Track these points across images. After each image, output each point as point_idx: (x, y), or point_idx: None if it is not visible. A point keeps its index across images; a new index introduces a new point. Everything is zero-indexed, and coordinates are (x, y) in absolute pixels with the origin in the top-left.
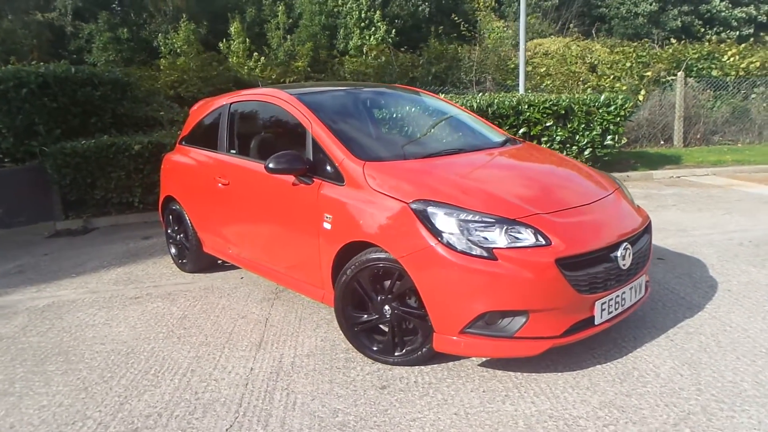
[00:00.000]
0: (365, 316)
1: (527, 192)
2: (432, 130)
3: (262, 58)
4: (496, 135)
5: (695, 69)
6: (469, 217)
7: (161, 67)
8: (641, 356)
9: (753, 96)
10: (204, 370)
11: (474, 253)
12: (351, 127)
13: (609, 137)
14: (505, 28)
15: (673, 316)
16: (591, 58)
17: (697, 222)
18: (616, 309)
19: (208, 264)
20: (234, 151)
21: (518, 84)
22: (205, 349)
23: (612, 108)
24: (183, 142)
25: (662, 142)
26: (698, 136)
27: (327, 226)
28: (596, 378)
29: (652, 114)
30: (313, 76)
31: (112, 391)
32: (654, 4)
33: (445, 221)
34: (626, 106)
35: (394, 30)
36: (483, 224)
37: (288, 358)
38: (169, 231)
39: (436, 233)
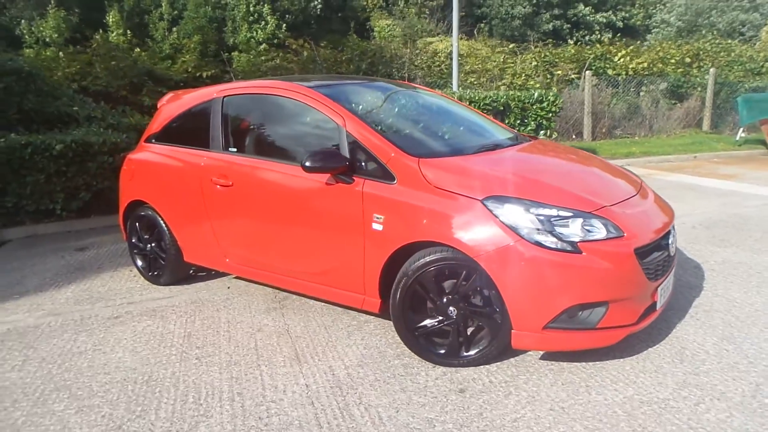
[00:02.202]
0: (429, 319)
1: (583, 185)
2: (458, 127)
3: (143, 53)
4: (506, 131)
5: (594, 68)
6: (548, 212)
7: (57, 58)
8: (681, 336)
9: (642, 93)
10: (252, 392)
11: (558, 247)
12: (388, 123)
13: (542, 132)
14: (393, 26)
15: (683, 298)
16: (500, 58)
17: None
18: (665, 294)
19: (185, 275)
20: (234, 150)
21: (448, 81)
22: (237, 368)
23: (545, 104)
24: (153, 140)
25: (574, 137)
26: (604, 131)
27: (377, 227)
28: (657, 361)
29: (564, 110)
30: (217, 74)
31: (156, 427)
32: (528, 7)
33: (523, 217)
34: (557, 102)
35: (284, 25)
36: (561, 218)
37: (340, 370)
38: (134, 240)
39: (517, 229)
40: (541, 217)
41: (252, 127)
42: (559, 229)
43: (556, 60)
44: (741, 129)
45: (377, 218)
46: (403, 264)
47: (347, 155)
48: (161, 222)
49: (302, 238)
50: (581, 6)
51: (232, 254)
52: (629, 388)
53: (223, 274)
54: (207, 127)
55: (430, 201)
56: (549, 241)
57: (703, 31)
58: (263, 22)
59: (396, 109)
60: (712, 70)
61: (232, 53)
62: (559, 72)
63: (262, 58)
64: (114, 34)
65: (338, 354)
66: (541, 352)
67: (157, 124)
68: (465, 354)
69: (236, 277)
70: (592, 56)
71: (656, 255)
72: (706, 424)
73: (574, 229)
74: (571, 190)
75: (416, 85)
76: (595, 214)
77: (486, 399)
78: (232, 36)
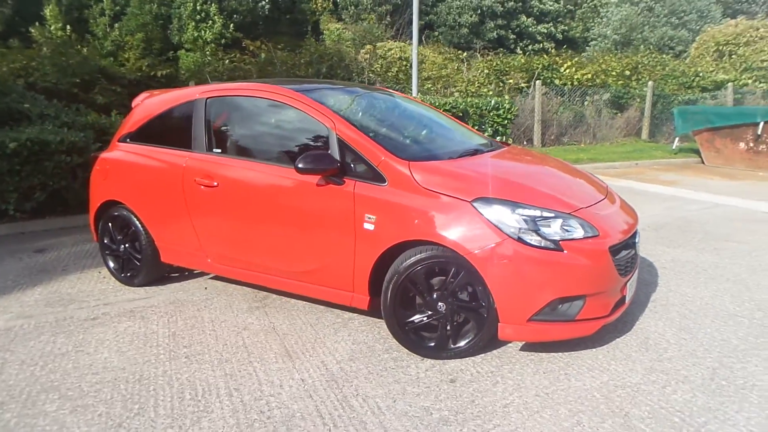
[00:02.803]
0: (418, 314)
1: (559, 189)
2: (438, 132)
3: (84, 49)
4: (480, 137)
5: (542, 78)
6: (532, 213)
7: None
8: (644, 328)
9: (586, 103)
10: (249, 387)
11: (542, 245)
12: (374, 127)
13: (498, 138)
14: (343, 30)
15: (641, 293)
16: (454, 65)
17: None
18: (632, 289)
19: (160, 276)
20: (219, 151)
21: (406, 87)
22: (230, 366)
23: (500, 111)
24: (127, 140)
25: (525, 143)
26: (552, 137)
27: (369, 226)
28: (625, 350)
29: (516, 117)
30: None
31: (157, 423)
32: (474, 16)
33: (510, 217)
34: (512, 109)
35: (232, 25)
36: (544, 218)
37: (332, 365)
38: (105, 241)
39: (504, 229)
40: (526, 218)
41: (238, 128)
42: (542, 229)
43: (506, 69)
44: (677, 138)
45: (369, 218)
46: (391, 262)
47: (337, 157)
48: (137, 222)
49: (290, 237)
50: (524, 17)
51: (214, 254)
52: (604, 375)
53: (199, 275)
54: (189, 128)
55: (422, 202)
56: (534, 239)
57: (638, 45)
58: (210, 22)
59: (378, 114)
60: (650, 83)
61: (178, 52)
62: (511, 81)
63: (209, 58)
64: (52, 28)
65: (328, 350)
66: (521, 344)
67: (132, 123)
68: (453, 346)
69: (213, 278)
70: (539, 67)
71: (625, 253)
72: (674, 404)
73: (555, 229)
74: (550, 192)
75: (392, 91)
76: (573, 215)
77: (476, 387)
78: (178, 34)
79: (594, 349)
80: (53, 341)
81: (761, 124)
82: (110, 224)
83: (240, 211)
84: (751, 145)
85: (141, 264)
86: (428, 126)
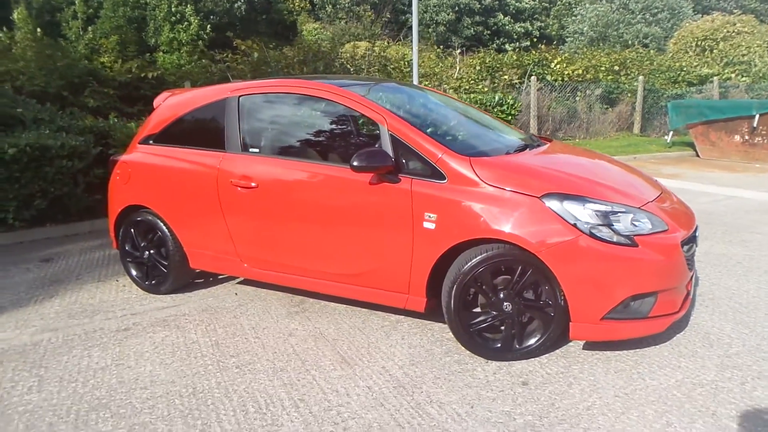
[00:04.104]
0: (483, 315)
1: (620, 184)
2: (482, 128)
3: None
4: (519, 132)
5: (534, 74)
6: (603, 208)
7: None
8: (700, 323)
9: (578, 98)
10: (314, 397)
11: (616, 240)
12: (423, 122)
13: None
14: (321, 29)
15: None
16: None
17: None
18: (693, 284)
19: (186, 283)
20: (256, 150)
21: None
22: (286, 375)
23: (504, 107)
24: (150, 142)
25: None
26: (548, 133)
27: (429, 225)
28: (689, 347)
29: (519, 113)
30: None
31: None
32: (451, 14)
33: (582, 213)
34: (516, 105)
35: (208, 26)
36: (615, 213)
37: (395, 370)
38: (127, 248)
39: (577, 225)
40: (599, 213)
41: (276, 127)
42: (614, 224)
43: (498, 65)
44: (671, 132)
45: (429, 217)
46: (450, 262)
47: (391, 155)
48: (164, 227)
49: (340, 239)
50: (501, 15)
51: (251, 258)
52: (677, 373)
53: (225, 280)
54: (221, 128)
55: (486, 199)
56: (607, 235)
57: (614, 42)
58: (186, 23)
59: (419, 109)
60: (641, 77)
61: (155, 53)
62: (506, 77)
63: (185, 59)
64: (23, 31)
65: (385, 354)
66: (582, 342)
67: (154, 124)
68: (519, 347)
69: (241, 282)
70: (530, 63)
71: (689, 247)
72: (759, 401)
73: (625, 224)
74: (615, 186)
75: (425, 87)
76: (643, 209)
77: (552, 390)
78: (154, 36)
79: (657, 347)
80: (88, 355)
81: (757, 116)
82: (133, 230)
83: (282, 212)
84: (747, 137)
85: (168, 271)
86: (468, 121)
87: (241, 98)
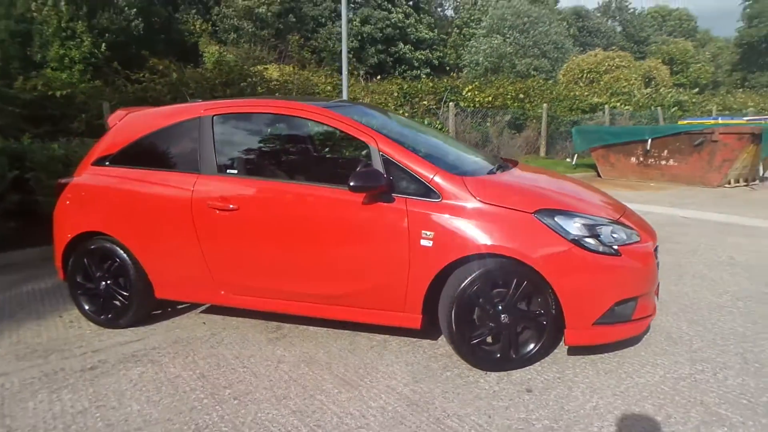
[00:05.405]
0: (482, 328)
1: (593, 200)
2: (455, 150)
3: None
4: (479, 152)
5: (448, 100)
6: (588, 221)
7: None
8: (659, 325)
9: (488, 124)
10: (329, 422)
11: (602, 251)
12: (413, 144)
13: None
14: (223, 52)
15: None
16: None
17: None
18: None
19: (147, 315)
20: (234, 172)
21: None
22: (292, 402)
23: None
24: (107, 163)
25: None
26: None
27: (427, 243)
28: (659, 345)
29: None
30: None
31: None
32: (355, 41)
33: (572, 226)
34: (443, 130)
35: (103, 44)
36: (599, 226)
37: (401, 388)
38: (78, 279)
39: (568, 237)
40: (585, 225)
41: (257, 147)
42: (601, 236)
43: (413, 92)
44: (575, 155)
45: (426, 235)
46: (446, 279)
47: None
48: (124, 255)
49: (330, 259)
50: (401, 44)
51: (230, 284)
52: (657, 369)
53: (187, 309)
54: (193, 148)
55: (483, 216)
56: (594, 245)
57: (508, 72)
58: (78, 40)
59: (397, 130)
60: (545, 105)
61: (42, 70)
62: (425, 102)
63: (77, 77)
64: None
65: (385, 373)
66: (566, 348)
67: (111, 144)
68: (515, 356)
69: (206, 311)
70: (444, 89)
71: (657, 257)
72: (734, 389)
73: (606, 235)
74: (592, 202)
75: (388, 110)
76: (618, 221)
77: (555, 394)
78: (40, 52)
79: (633, 348)
80: (58, 398)
81: (649, 141)
82: (86, 259)
83: (266, 235)
84: (641, 159)
85: (129, 302)
86: (439, 142)
87: (215, 117)
